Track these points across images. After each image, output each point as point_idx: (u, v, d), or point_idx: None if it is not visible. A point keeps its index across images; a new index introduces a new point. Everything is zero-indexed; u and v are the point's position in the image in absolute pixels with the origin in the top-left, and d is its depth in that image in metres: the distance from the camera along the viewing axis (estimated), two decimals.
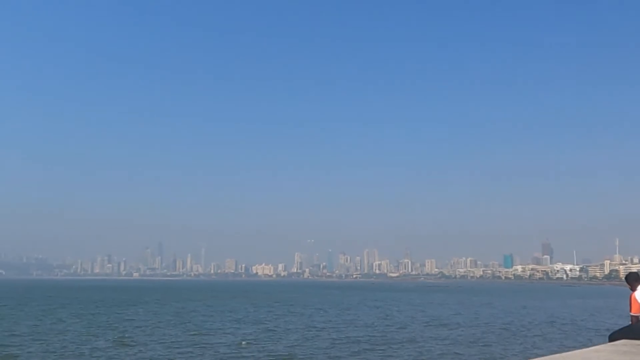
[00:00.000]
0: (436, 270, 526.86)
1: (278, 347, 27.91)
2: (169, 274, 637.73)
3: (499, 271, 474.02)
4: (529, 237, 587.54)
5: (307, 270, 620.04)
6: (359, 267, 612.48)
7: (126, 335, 31.70)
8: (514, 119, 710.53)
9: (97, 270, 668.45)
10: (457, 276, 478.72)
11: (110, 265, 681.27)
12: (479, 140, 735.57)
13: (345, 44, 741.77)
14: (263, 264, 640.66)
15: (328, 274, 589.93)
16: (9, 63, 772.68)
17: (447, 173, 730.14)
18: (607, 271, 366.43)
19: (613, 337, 9.10)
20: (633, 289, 9.11)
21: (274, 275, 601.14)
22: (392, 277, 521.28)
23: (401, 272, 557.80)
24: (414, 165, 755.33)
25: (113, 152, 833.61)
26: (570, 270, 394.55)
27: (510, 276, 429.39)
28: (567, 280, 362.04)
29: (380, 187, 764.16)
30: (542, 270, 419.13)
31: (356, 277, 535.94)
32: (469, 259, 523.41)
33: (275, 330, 35.50)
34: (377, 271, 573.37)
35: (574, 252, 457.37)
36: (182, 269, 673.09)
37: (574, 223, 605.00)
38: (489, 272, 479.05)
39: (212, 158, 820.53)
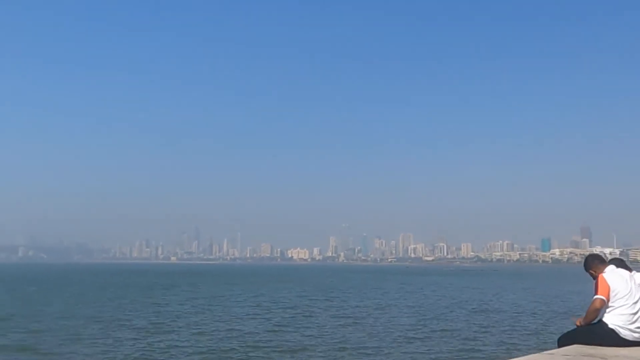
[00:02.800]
0: (472, 254, 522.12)
1: (312, 333, 27.06)
2: (205, 257, 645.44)
3: (536, 255, 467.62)
4: (568, 221, 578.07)
5: (341, 254, 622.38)
6: (394, 251, 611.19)
7: (158, 321, 31.20)
8: (544, 97, 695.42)
9: (135, 255, 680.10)
10: (494, 260, 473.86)
11: (148, 249, 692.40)
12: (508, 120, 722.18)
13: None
14: (298, 248, 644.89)
15: (363, 258, 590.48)
16: None
17: (481, 153, 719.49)
18: None
19: (562, 342, 7.34)
20: (599, 271, 7.32)
21: (309, 259, 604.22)
22: (427, 260, 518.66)
23: (436, 255, 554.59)
24: (450, 146, 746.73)
25: (149, 139, 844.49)
26: (610, 253, 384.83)
27: (547, 260, 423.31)
28: None
29: (415, 170, 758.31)
30: (580, 254, 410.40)
31: (391, 261, 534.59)
32: (505, 243, 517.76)
33: (310, 317, 34.65)
34: (412, 255, 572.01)
35: (614, 235, 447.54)
36: (219, 252, 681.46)
37: (615, 206, 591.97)
38: (526, 255, 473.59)
39: (247, 142, 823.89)
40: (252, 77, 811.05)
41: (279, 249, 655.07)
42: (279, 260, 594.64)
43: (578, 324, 7.34)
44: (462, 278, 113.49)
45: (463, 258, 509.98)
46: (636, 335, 6.84)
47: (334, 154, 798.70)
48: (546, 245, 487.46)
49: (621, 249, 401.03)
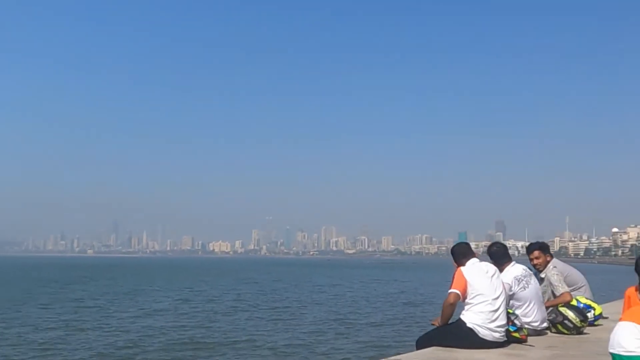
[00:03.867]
0: (392, 247, 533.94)
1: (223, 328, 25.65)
2: (124, 251, 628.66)
3: None
4: (484, 215, 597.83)
5: (264, 247, 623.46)
6: (316, 244, 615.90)
7: (73, 319, 28.79)
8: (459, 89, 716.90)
9: (50, 248, 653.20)
10: (413, 252, 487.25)
11: (63, 242, 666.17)
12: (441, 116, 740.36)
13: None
14: (220, 241, 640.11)
15: (285, 251, 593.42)
16: None
17: (403, 150, 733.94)
18: (557, 248, 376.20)
19: (420, 344, 6.14)
20: (460, 264, 6.22)
21: (231, 252, 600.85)
22: (348, 253, 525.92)
23: (358, 248, 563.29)
24: (373, 141, 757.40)
25: (66, 130, 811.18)
26: (522, 246, 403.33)
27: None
28: (518, 256, 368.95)
29: (338, 164, 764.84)
30: None
31: (313, 254, 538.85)
32: (424, 236, 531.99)
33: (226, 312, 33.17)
34: (334, 248, 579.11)
35: (526, 229, 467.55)
36: (138, 246, 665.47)
37: (527, 201, 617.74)
38: (444, 248, 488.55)
39: (167, 133, 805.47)
40: (167, 67, 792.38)
41: (200, 242, 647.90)
42: (200, 253, 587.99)
43: (435, 323, 6.26)
44: (383, 270, 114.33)
45: (384, 251, 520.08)
46: (497, 335, 5.76)
47: (259, 147, 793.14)
48: (462, 238, 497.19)
49: (532, 242, 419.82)
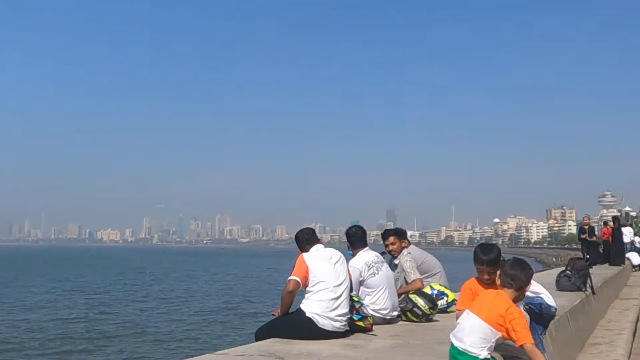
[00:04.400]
0: (286, 235, 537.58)
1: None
2: (3, 239, 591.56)
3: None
4: (376, 204, 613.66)
5: (156, 236, 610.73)
6: (209, 233, 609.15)
7: None
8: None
9: None
10: None
11: None
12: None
13: None
14: (109, 229, 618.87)
15: (177, 239, 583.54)
16: None
17: (296, 141, 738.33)
18: (443, 237, 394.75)
19: (259, 335, 5.80)
20: (304, 250, 5.93)
21: (120, 241, 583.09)
22: (243, 242, 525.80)
23: (252, 237, 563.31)
24: (266, 132, 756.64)
25: None
26: (411, 236, 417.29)
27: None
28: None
29: (232, 151, 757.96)
30: None
31: (206, 243, 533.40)
32: (318, 225, 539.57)
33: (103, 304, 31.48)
34: (229, 237, 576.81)
35: (415, 218, 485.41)
36: (19, 234, 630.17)
37: (416, 191, 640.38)
38: (337, 237, 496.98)
39: (51, 119, 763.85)
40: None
41: (87, 230, 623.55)
42: (87, 242, 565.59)
43: (275, 313, 5.83)
44: (277, 259, 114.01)
45: (278, 240, 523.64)
46: (337, 324, 5.39)
47: (149, 133, 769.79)
48: None
49: (420, 232, 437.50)
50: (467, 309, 4.12)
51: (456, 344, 3.99)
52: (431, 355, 4.59)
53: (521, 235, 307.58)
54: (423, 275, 7.58)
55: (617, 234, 21.31)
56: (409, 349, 4.96)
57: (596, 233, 17.18)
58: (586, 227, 15.11)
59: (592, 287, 10.22)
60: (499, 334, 3.95)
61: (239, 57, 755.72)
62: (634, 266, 27.07)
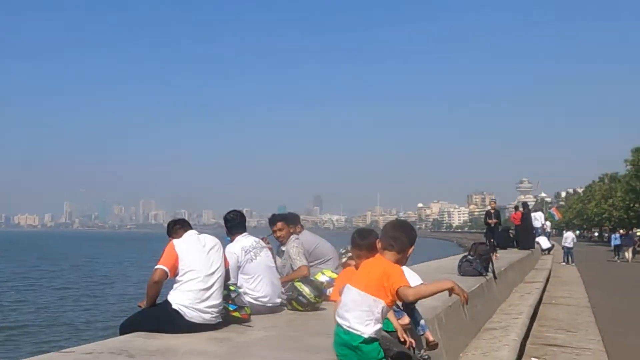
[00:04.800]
0: (213, 220, 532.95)
1: None
2: None
3: None
4: (303, 190, 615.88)
5: (77, 220, 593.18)
6: (134, 218, 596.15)
7: None
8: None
9: None
10: None
11: None
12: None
13: None
14: (27, 214, 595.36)
15: (100, 224, 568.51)
16: None
17: (221, 123, 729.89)
18: (368, 221, 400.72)
19: (124, 329, 5.38)
20: (176, 236, 5.50)
21: (39, 226, 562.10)
22: None
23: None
24: (191, 115, 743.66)
25: None
26: (337, 220, 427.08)
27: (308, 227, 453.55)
28: (333, 229, 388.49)
29: (158, 135, 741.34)
30: (311, 221, 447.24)
31: (130, 228, 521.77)
32: (244, 209, 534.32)
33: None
34: (153, 221, 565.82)
35: (341, 204, 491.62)
36: None
37: (342, 177, 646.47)
38: (264, 222, 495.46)
39: None
40: None
41: (3, 215, 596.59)
42: (3, 226, 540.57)
43: (142, 305, 5.34)
44: None
45: (204, 224, 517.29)
46: (207, 316, 4.94)
47: (72, 115, 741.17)
48: (282, 212, 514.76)
49: (346, 217, 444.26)
50: (348, 284, 3.69)
51: (340, 322, 3.59)
52: (300, 350, 4.21)
53: (443, 220, 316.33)
54: (316, 262, 7.23)
55: (526, 219, 21.84)
56: (279, 341, 4.58)
57: (502, 218, 17.30)
58: (492, 211, 15.18)
59: (493, 272, 10.22)
60: (382, 302, 3.53)
61: (164, 40, 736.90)
62: (543, 250, 27.99)
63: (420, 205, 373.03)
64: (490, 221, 15.47)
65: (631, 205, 51.74)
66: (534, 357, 8.11)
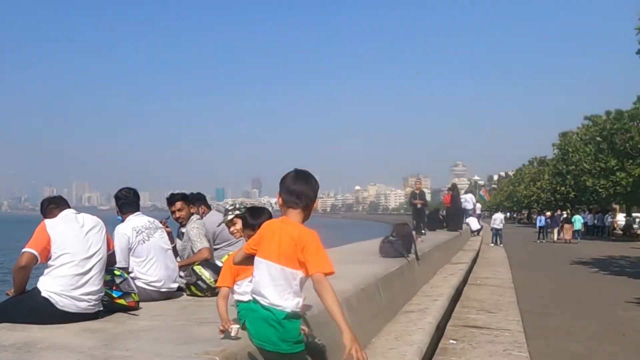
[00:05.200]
0: (149, 203, 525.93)
1: None
2: None
3: (211, 204, 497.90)
4: (241, 172, 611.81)
5: (5, 203, 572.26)
6: None
7: None
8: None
9: None
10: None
11: None
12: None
13: None
14: None
15: (30, 207, 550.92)
16: None
17: (157, 107, 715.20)
18: None
19: None
20: (52, 216, 5.00)
21: None
22: (103, 209, 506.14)
23: (112, 205, 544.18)
24: (135, 96, 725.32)
25: None
26: (275, 203, 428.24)
27: (221, 209, 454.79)
28: (273, 212, 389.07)
29: (94, 117, 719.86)
30: (250, 203, 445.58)
31: None
32: (183, 192, 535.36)
33: None
34: (87, 204, 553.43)
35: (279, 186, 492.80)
36: None
37: (282, 159, 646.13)
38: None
39: None
40: None
41: None
42: None
43: (9, 293, 4.76)
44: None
45: (142, 207, 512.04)
46: (84, 304, 4.37)
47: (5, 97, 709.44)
48: (220, 194, 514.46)
49: None
50: (258, 256, 3.26)
51: (259, 299, 3.18)
52: (180, 341, 3.72)
53: (380, 202, 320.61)
54: (223, 244, 6.77)
55: (455, 200, 21.96)
56: (160, 332, 4.08)
57: (436, 200, 16.88)
58: (417, 192, 14.89)
59: (416, 253, 10.01)
60: (300, 273, 3.14)
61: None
62: (472, 231, 28.37)
63: (357, 187, 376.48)
64: (415, 202, 15.07)
65: (557, 188, 53.35)
66: (453, 339, 7.93)
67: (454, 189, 22.49)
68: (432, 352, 6.95)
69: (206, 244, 6.18)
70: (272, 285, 3.13)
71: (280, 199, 3.36)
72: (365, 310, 6.09)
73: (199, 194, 7.21)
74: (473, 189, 67.46)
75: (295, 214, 3.28)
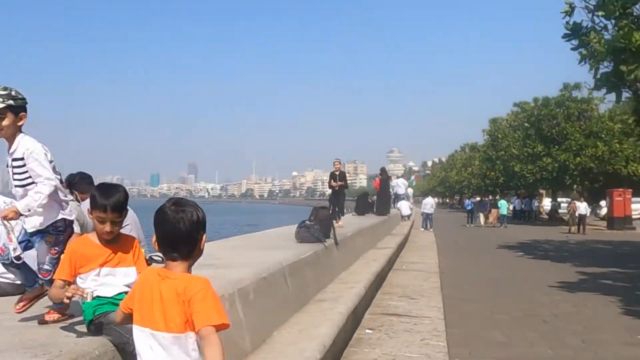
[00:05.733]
0: None
1: None
2: None
3: (145, 189, 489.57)
4: (177, 158, 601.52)
5: None
6: None
7: None
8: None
9: None
10: None
11: None
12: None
13: None
14: None
15: None
16: None
17: (91, 91, 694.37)
18: (244, 190, 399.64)
19: None
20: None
21: None
22: None
23: None
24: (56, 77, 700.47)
25: None
26: (212, 189, 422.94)
27: (156, 194, 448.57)
28: (208, 198, 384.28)
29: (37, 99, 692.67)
30: (186, 189, 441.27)
31: None
32: (116, 177, 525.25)
33: None
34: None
35: (216, 172, 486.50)
36: None
37: (219, 146, 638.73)
38: (136, 190, 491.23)
39: None
40: None
41: None
42: None
43: None
44: None
45: None
46: None
47: None
48: (155, 180, 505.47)
49: (222, 185, 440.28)
50: (138, 324, 2.50)
51: None
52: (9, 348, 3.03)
53: (317, 188, 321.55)
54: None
55: (384, 185, 21.67)
56: None
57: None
58: (337, 173, 13.97)
59: (335, 238, 9.50)
60: (192, 335, 2.43)
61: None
62: (403, 216, 28.31)
63: (295, 173, 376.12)
64: (334, 184, 14.12)
65: (487, 173, 54.28)
66: (370, 328, 7.48)
67: (383, 173, 22.14)
68: (345, 343, 6.45)
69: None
70: (167, 357, 2.44)
71: (156, 245, 2.55)
72: (266, 301, 5.49)
73: (80, 174, 5.99)
74: (408, 174, 67.99)
75: (176, 265, 2.52)
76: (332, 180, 13.92)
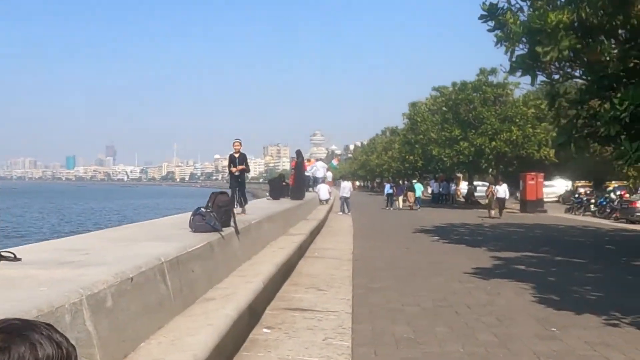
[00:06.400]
0: None
1: None
2: None
3: (60, 172, 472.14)
4: (94, 140, 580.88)
5: None
6: None
7: None
8: None
9: None
10: (14, 177, 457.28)
11: None
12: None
13: None
14: None
15: None
16: None
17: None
18: (164, 173, 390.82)
19: None
20: None
21: None
22: None
23: None
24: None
25: None
26: (131, 171, 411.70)
27: (71, 177, 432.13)
28: (127, 181, 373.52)
29: None
30: (104, 172, 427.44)
31: None
32: (27, 160, 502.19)
33: None
34: None
35: (136, 154, 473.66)
36: None
37: (139, 128, 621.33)
38: (50, 173, 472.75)
39: None
40: None
41: None
42: None
43: None
44: None
45: None
46: None
47: None
48: (71, 163, 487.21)
49: (142, 167, 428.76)
50: None
51: None
52: None
53: None
54: None
55: (299, 168, 20.95)
56: None
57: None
58: (237, 155, 12.72)
59: (235, 226, 8.65)
60: None
61: None
62: (321, 200, 27.72)
63: (217, 156, 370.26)
64: (233, 169, 12.76)
65: (406, 157, 54.57)
66: (268, 327, 6.72)
67: (298, 156, 21.40)
68: (237, 347, 5.67)
69: None
70: None
71: None
72: (132, 306, 4.59)
73: None
74: (330, 157, 67.72)
75: None
76: (231, 165, 12.74)
